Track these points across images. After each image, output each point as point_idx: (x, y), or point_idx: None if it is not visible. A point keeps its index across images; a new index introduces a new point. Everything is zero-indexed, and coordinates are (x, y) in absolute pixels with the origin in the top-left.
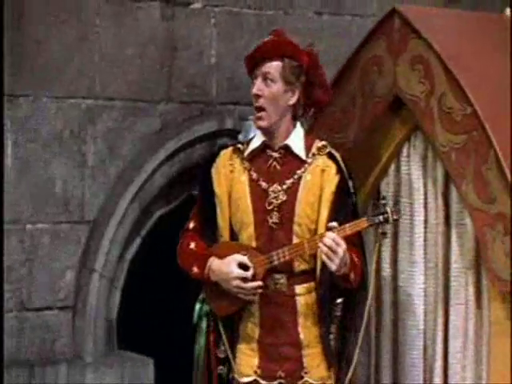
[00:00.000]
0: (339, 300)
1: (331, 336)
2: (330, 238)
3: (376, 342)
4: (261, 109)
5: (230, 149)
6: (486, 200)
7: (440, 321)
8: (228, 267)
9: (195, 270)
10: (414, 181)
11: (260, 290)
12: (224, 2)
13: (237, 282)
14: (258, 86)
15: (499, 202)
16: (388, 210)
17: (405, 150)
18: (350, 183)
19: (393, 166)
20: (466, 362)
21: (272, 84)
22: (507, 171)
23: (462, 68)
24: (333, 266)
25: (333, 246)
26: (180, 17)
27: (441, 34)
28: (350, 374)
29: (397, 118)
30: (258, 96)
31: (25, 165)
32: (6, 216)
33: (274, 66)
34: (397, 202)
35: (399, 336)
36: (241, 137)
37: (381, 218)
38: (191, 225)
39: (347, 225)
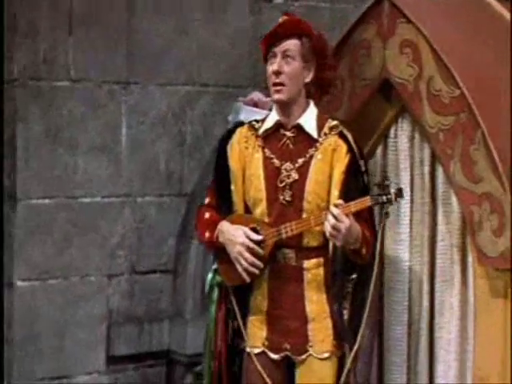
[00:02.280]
0: (353, 276)
1: (345, 311)
2: (334, 214)
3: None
4: (281, 84)
5: (246, 126)
6: (472, 179)
7: (426, 297)
8: (236, 231)
9: (207, 234)
10: (400, 161)
11: (256, 271)
12: None
13: (241, 249)
14: (279, 62)
15: (486, 182)
16: (391, 190)
17: (392, 132)
18: (361, 162)
19: (380, 147)
20: (451, 336)
21: (291, 61)
22: (494, 151)
23: (450, 52)
24: (337, 242)
25: (335, 223)
26: (265, 11)
27: (429, 18)
28: (356, 347)
29: (385, 100)
30: (278, 73)
31: (136, 144)
32: (120, 190)
33: (293, 44)
34: (389, 185)
35: (384, 312)
36: (230, 118)
37: (384, 198)
38: (207, 200)
39: (352, 203)
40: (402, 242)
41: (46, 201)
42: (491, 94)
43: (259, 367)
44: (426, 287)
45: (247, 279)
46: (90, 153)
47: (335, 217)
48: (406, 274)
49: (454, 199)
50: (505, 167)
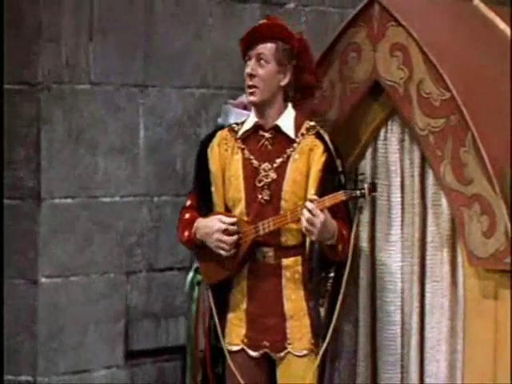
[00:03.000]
0: (331, 274)
1: (321, 309)
2: (309, 208)
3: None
4: (254, 87)
5: (226, 129)
6: (463, 181)
7: (416, 298)
8: (211, 222)
9: (186, 233)
10: (391, 163)
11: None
12: (312, 2)
13: (218, 235)
14: (252, 66)
15: (476, 184)
16: (365, 185)
17: (382, 134)
18: (338, 162)
19: (370, 150)
20: (441, 336)
21: (265, 64)
22: (484, 154)
23: (440, 54)
24: (312, 236)
25: (310, 217)
26: (277, 16)
27: (419, 21)
28: (324, 345)
29: (375, 103)
30: (251, 75)
31: (153, 146)
32: (138, 190)
33: (267, 48)
34: (374, 179)
35: (377, 312)
36: (220, 120)
37: (358, 192)
38: (188, 202)
39: (326, 197)
40: (393, 243)
41: (69, 200)
42: (481, 96)
43: (232, 366)
44: (416, 288)
45: (232, 252)
46: (110, 154)
47: (310, 211)
48: (398, 274)
49: (443, 201)
50: (495, 169)
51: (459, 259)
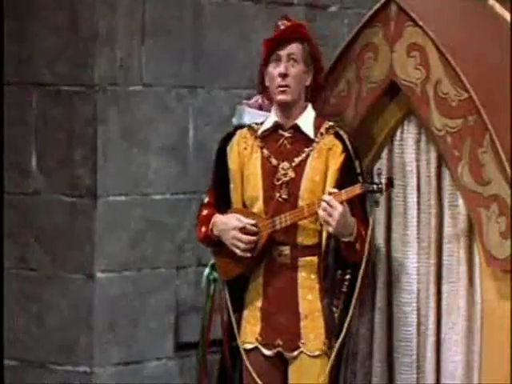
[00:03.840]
0: (347, 276)
1: (336, 310)
2: (326, 200)
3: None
4: (286, 86)
5: (246, 128)
6: (480, 182)
7: (432, 298)
8: (228, 219)
9: (203, 229)
10: (407, 164)
11: (250, 250)
12: (354, 5)
13: (234, 233)
14: (285, 65)
15: (494, 184)
16: (382, 179)
17: (398, 135)
18: (357, 163)
19: (386, 150)
20: (457, 337)
21: (296, 64)
22: (502, 154)
23: (457, 55)
24: (329, 228)
25: (327, 208)
26: (320, 18)
27: (435, 21)
28: (337, 346)
29: (391, 103)
30: (285, 75)
31: (201, 145)
32: (187, 188)
33: (297, 48)
34: (390, 175)
35: (393, 313)
36: (234, 120)
37: (375, 186)
38: (207, 199)
39: (343, 190)
40: (409, 244)
41: (122, 198)
42: (498, 96)
43: (248, 364)
44: (432, 288)
45: (249, 255)
46: (161, 153)
47: (327, 202)
48: (414, 275)
49: (460, 201)
50: None
51: (476, 260)
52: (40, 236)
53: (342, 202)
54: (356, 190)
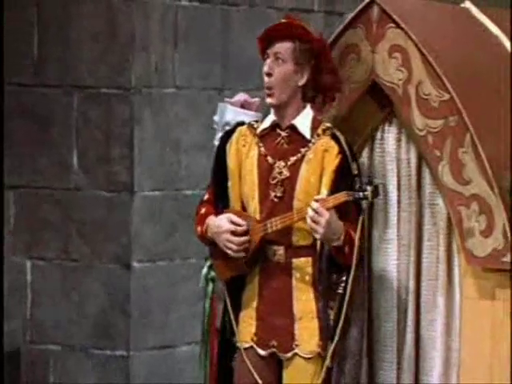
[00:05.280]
0: (343, 278)
1: (331, 312)
2: (313, 207)
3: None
4: (270, 89)
5: (246, 126)
6: (461, 181)
7: (412, 295)
8: (220, 221)
9: (199, 229)
10: (387, 163)
11: (243, 250)
12: None
13: (226, 236)
14: (269, 64)
15: (474, 183)
16: (368, 188)
17: (379, 134)
18: (353, 166)
19: (366, 149)
20: (436, 334)
21: (282, 64)
22: (483, 154)
23: (438, 56)
24: (317, 235)
25: (314, 215)
26: (339, 25)
27: (417, 23)
28: (333, 344)
29: (373, 103)
30: (268, 74)
31: None
32: None
33: (284, 47)
34: (373, 182)
35: (373, 309)
36: (216, 118)
37: (361, 194)
38: (206, 197)
39: (330, 197)
40: (390, 241)
41: (157, 193)
42: (479, 97)
43: (248, 362)
44: (412, 286)
45: (242, 254)
46: (191, 150)
47: (314, 210)
48: (394, 272)
49: (440, 200)
50: (493, 169)
51: (455, 258)
52: (80, 229)
53: (328, 209)
54: (342, 197)
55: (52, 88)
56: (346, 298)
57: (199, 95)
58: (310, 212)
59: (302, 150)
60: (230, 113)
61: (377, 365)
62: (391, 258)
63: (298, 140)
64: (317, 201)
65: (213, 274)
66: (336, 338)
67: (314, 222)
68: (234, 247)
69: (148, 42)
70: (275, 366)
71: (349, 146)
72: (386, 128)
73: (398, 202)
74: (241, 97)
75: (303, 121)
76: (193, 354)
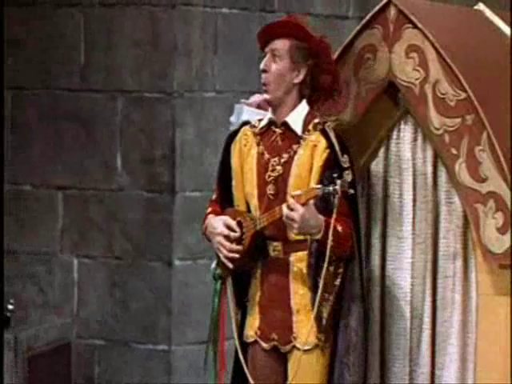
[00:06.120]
0: (340, 270)
1: (325, 303)
2: (288, 204)
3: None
4: (266, 85)
5: (249, 125)
6: (478, 179)
7: (428, 292)
8: (216, 223)
9: (203, 227)
10: (403, 162)
11: (237, 255)
12: None
13: (219, 238)
14: (266, 61)
15: (491, 181)
16: (337, 181)
17: (395, 134)
18: (344, 158)
19: (383, 149)
20: (452, 330)
21: (278, 61)
22: (499, 152)
23: (455, 56)
24: (293, 230)
25: (288, 212)
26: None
27: (433, 24)
28: (323, 337)
29: (389, 103)
30: (264, 71)
31: None
32: None
33: (281, 44)
34: (342, 176)
35: (387, 307)
36: (232, 119)
37: (330, 188)
38: (214, 196)
39: (303, 192)
40: (404, 240)
41: (197, 193)
42: (495, 96)
43: (254, 356)
44: (429, 283)
45: (230, 265)
46: None
47: (288, 206)
48: (409, 270)
49: (456, 198)
50: (510, 167)
51: (471, 255)
52: (124, 228)
53: (304, 204)
54: (313, 191)
55: (97, 93)
56: (335, 289)
57: (238, 99)
58: (285, 208)
59: (294, 146)
60: (246, 113)
61: (388, 361)
62: (405, 256)
63: (290, 137)
64: (292, 197)
65: (220, 271)
66: (330, 331)
67: (288, 217)
68: (225, 252)
69: (189, 48)
70: (278, 358)
71: (339, 140)
72: (402, 127)
73: (414, 200)
74: (257, 97)
75: (296, 118)
76: (230, 348)
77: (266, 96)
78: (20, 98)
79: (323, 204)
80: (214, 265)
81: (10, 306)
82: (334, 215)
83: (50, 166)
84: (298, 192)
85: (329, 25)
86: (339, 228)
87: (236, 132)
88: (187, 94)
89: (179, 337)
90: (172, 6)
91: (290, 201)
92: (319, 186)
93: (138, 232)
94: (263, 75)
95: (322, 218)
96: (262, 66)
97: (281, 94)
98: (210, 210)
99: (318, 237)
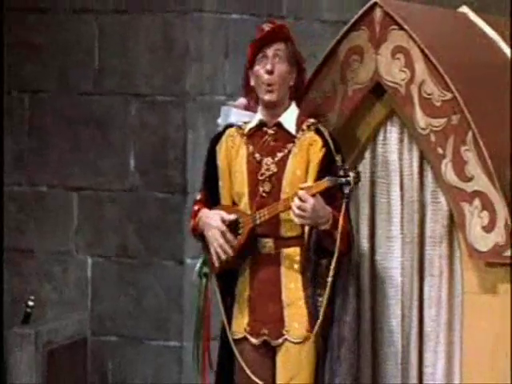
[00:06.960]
0: (333, 265)
1: (320, 299)
2: (299, 195)
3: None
4: (272, 85)
5: (234, 127)
6: (463, 178)
7: (416, 291)
8: (213, 215)
9: (192, 222)
10: (390, 163)
11: (223, 256)
12: None
13: (215, 232)
14: (272, 63)
15: (476, 180)
16: (350, 173)
17: (381, 134)
18: (337, 157)
19: (369, 150)
20: (439, 328)
21: (281, 63)
22: (485, 151)
23: (440, 57)
24: (305, 222)
25: (300, 204)
26: None
27: (419, 26)
28: (317, 325)
29: (376, 104)
30: (271, 72)
31: None
32: None
33: (282, 47)
34: (356, 168)
35: (378, 306)
36: (219, 121)
37: (343, 180)
38: (199, 196)
39: (314, 184)
40: (393, 239)
41: None
42: (480, 96)
43: (237, 354)
44: (416, 282)
45: (216, 263)
46: None
47: (300, 198)
48: (398, 269)
49: (442, 198)
50: (495, 166)
51: (457, 254)
52: (137, 228)
53: (313, 195)
54: (324, 183)
55: (112, 96)
56: (329, 280)
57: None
58: (296, 200)
59: (289, 145)
60: (233, 115)
61: (380, 358)
62: (395, 256)
63: (284, 136)
64: (302, 189)
65: (206, 269)
66: (319, 323)
67: (300, 208)
68: (217, 247)
69: (201, 53)
70: (268, 353)
71: (333, 139)
72: (389, 128)
73: (401, 200)
74: (243, 100)
75: (289, 118)
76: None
77: (268, 97)
78: (37, 102)
79: (325, 199)
80: (198, 264)
81: (31, 303)
82: (344, 206)
83: (66, 167)
84: (307, 184)
85: (336, 30)
86: (341, 221)
87: (220, 134)
88: (199, 97)
89: (191, 333)
90: (184, 12)
91: (300, 192)
92: (331, 177)
93: (150, 231)
94: (268, 76)
95: (329, 209)
96: (268, 66)
97: (283, 95)
98: (197, 207)
99: (326, 227)
